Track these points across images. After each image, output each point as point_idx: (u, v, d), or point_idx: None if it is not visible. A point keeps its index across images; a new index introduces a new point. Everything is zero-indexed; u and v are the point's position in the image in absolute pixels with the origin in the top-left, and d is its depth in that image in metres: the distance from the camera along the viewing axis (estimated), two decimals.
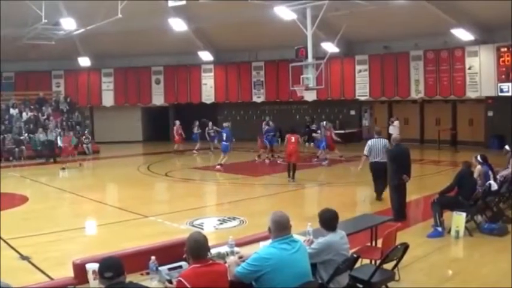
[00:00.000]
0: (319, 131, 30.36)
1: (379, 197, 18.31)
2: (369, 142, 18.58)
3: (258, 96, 41.66)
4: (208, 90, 42.76)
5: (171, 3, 31.03)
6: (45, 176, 27.58)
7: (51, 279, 10.03)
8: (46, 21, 30.38)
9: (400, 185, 15.12)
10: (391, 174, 15.30)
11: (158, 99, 43.59)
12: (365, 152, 18.56)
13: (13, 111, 38.36)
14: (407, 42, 35.05)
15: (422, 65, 34.83)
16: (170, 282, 6.76)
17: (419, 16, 30.58)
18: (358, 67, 37.67)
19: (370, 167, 18.54)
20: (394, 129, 33.37)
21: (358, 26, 33.20)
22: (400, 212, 14.91)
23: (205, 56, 41.84)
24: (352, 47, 38.31)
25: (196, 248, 6.22)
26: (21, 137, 35.21)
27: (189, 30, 37.48)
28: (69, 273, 7.42)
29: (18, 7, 30.74)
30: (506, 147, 16.98)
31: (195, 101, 42.91)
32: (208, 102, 42.84)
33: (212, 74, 42.71)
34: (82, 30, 33.82)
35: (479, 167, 14.91)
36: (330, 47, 34.13)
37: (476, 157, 15.27)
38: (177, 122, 36.87)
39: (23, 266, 11.72)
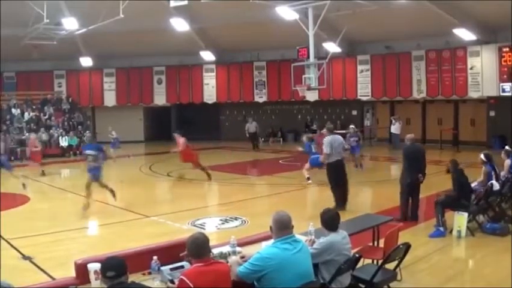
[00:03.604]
0: (353, 138, 26.86)
1: (344, 205, 16.64)
2: (329, 139, 16.89)
3: (260, 96, 41.67)
4: (210, 90, 42.77)
5: (173, 3, 31.03)
6: (47, 176, 27.55)
7: (53, 279, 10.04)
8: (48, 21, 30.36)
9: (411, 184, 15.08)
10: (405, 172, 15.26)
11: (160, 99, 43.63)
12: (327, 151, 16.82)
13: (15, 111, 38.45)
14: (409, 42, 35.09)
15: (424, 65, 34.88)
16: (172, 282, 6.77)
17: (421, 16, 30.59)
18: (360, 67, 37.71)
19: (331, 167, 17.10)
20: (396, 129, 33.46)
21: (360, 26, 33.22)
22: (405, 213, 14.89)
23: (207, 56, 41.84)
24: (354, 47, 38.34)
25: (197, 248, 6.23)
26: (23, 137, 35.27)
27: (191, 30, 37.48)
28: (71, 273, 7.44)
29: (20, 7, 30.73)
30: (507, 147, 16.86)
31: (197, 101, 42.93)
32: (210, 102, 42.85)
33: (214, 74, 42.73)
34: (84, 30, 33.81)
35: (484, 167, 14.93)
36: (332, 47, 34.14)
37: (480, 155, 15.28)
38: (33, 135, 32.37)
39: (24, 266, 11.73)
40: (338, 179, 17.00)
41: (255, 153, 34.28)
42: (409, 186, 15.10)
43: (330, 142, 16.75)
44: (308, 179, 22.22)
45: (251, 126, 38.07)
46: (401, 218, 14.12)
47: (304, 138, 23.86)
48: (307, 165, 22.39)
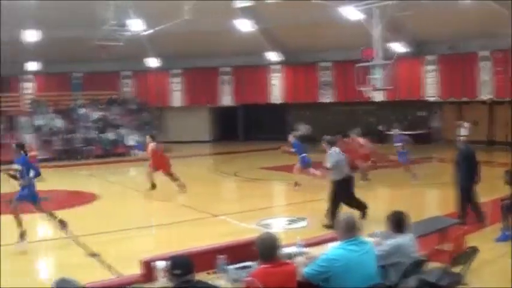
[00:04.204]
0: (397, 143, 24.34)
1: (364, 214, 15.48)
2: (335, 156, 15.60)
3: (326, 97, 41.53)
4: (276, 91, 42.76)
5: (238, 4, 31.15)
6: (114, 175, 27.92)
7: (119, 276, 10.17)
8: (114, 22, 30.72)
9: (472, 186, 14.91)
10: (462, 174, 15.07)
11: (226, 99, 43.78)
12: (331, 165, 15.58)
13: (82, 111, 39.08)
14: (475, 42, 34.48)
15: (491, 65, 34.30)
16: (238, 281, 6.80)
17: (487, 16, 30.08)
18: (426, 67, 37.26)
19: (342, 184, 15.46)
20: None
21: (426, 26, 32.93)
22: (464, 216, 14.71)
23: (273, 56, 41.88)
24: (421, 47, 37.91)
25: (267, 249, 6.29)
26: (91, 136, 35.85)
27: (256, 31, 37.56)
28: (136, 270, 7.53)
29: (88, 8, 31.16)
30: None
31: (263, 101, 42.95)
32: (276, 102, 42.90)
33: (280, 74, 42.69)
34: (150, 31, 34.12)
35: None
36: (398, 47, 33.91)
37: None
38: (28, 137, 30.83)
39: (91, 262, 11.89)
40: (347, 195, 15.68)
41: (322, 155, 34.24)
42: (469, 189, 14.92)
43: (336, 159, 15.51)
44: (296, 184, 21.72)
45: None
46: (461, 221, 13.91)
47: (291, 137, 23.01)
48: (297, 166, 22.10)
